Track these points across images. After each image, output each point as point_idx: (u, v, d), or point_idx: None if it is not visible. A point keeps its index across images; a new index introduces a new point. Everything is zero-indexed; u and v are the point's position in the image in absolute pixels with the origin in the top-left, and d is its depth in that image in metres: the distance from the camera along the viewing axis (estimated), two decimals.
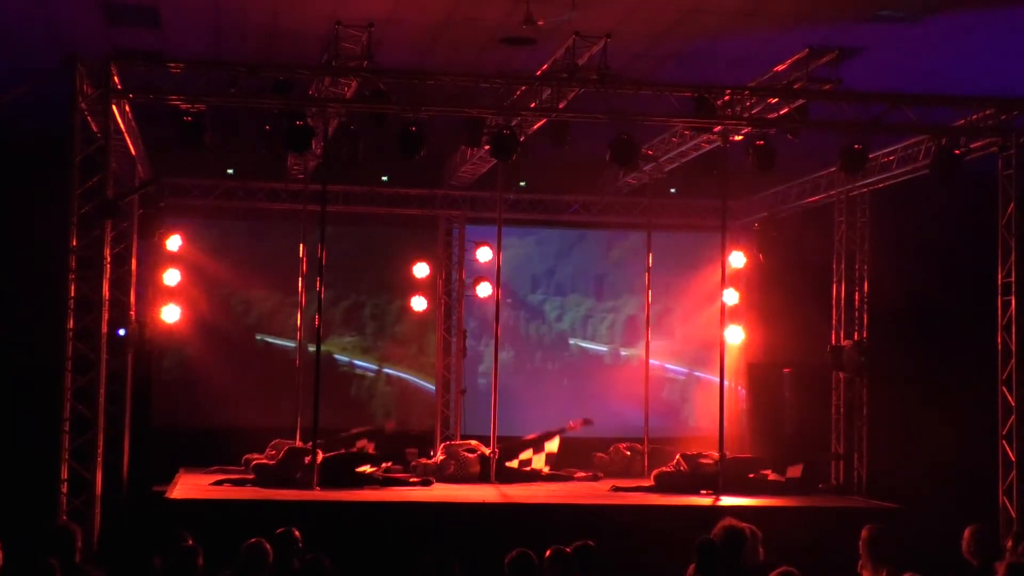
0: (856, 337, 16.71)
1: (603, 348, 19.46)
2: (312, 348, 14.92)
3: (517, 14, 11.72)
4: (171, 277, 17.17)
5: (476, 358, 18.66)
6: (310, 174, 16.60)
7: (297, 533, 8.82)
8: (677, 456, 15.27)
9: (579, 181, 18.21)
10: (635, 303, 18.75)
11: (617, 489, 14.90)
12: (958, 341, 16.66)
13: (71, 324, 12.15)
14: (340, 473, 14.31)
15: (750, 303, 18.90)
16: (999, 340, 13.63)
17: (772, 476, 15.03)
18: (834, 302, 17.14)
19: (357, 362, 18.88)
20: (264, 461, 14.72)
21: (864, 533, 8.79)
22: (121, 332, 14.72)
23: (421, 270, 18.26)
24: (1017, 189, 13.48)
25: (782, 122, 13.55)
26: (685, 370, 19.28)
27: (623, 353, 19.34)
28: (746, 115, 13.62)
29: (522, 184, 18.34)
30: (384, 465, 15.29)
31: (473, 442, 16.13)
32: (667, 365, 19.14)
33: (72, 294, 12.16)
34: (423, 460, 15.87)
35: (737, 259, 18.13)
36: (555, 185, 18.30)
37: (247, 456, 15.40)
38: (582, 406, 17.76)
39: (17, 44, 13.38)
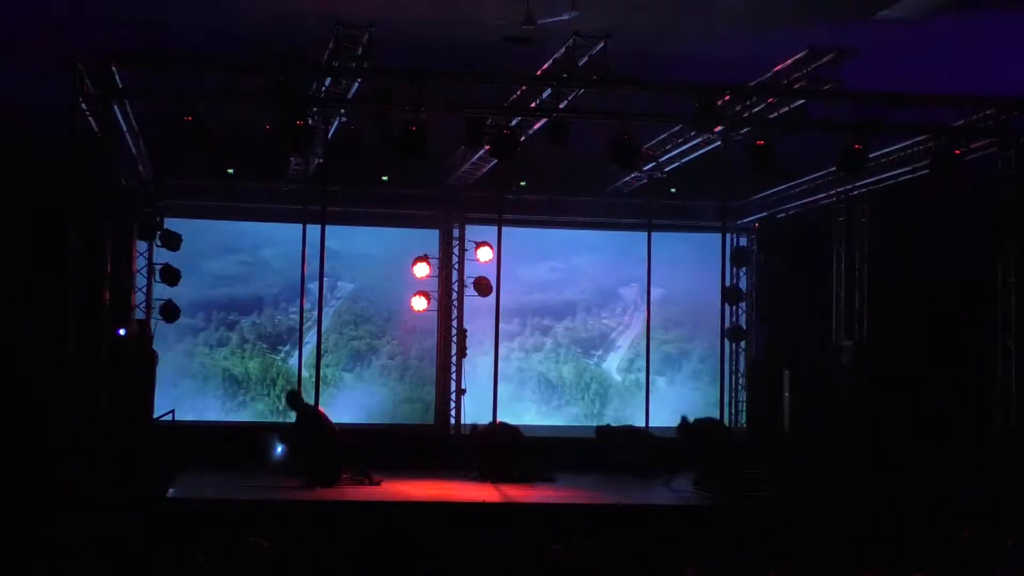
0: (856, 337, 16.72)
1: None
2: None
3: (517, 14, 11.70)
4: (171, 277, 17.18)
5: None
6: (310, 174, 16.60)
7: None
8: None
9: (579, 181, 18.21)
10: None
11: None
12: (958, 341, 16.67)
13: (71, 324, 12.15)
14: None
15: (750, 303, 18.93)
16: (999, 340, 13.64)
17: None
18: (834, 302, 17.15)
19: None
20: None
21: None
22: (121, 332, 14.73)
23: (421, 270, 18.25)
24: (1017, 189, 13.49)
25: (782, 122, 13.55)
26: None
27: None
28: (746, 115, 13.62)
29: (522, 184, 18.34)
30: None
31: None
32: None
33: (72, 294, 12.16)
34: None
35: (736, 259, 18.15)
36: (555, 185, 18.30)
37: None
38: None
39: (17, 44, 13.37)
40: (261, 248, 18.58)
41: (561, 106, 13.22)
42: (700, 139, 14.88)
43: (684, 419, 15.43)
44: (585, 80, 12.84)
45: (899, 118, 13.47)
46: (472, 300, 18.18)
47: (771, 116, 13.64)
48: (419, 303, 18.26)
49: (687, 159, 15.84)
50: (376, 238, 18.92)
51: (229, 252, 18.51)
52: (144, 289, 17.42)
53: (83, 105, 12.28)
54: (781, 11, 12.05)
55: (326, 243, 16.97)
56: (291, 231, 17.70)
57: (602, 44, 12.39)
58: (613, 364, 19.41)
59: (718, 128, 13.91)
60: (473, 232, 18.35)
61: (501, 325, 17.77)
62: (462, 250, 18.48)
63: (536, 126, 13.96)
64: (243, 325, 18.48)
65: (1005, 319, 13.64)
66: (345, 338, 18.81)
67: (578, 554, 8.15)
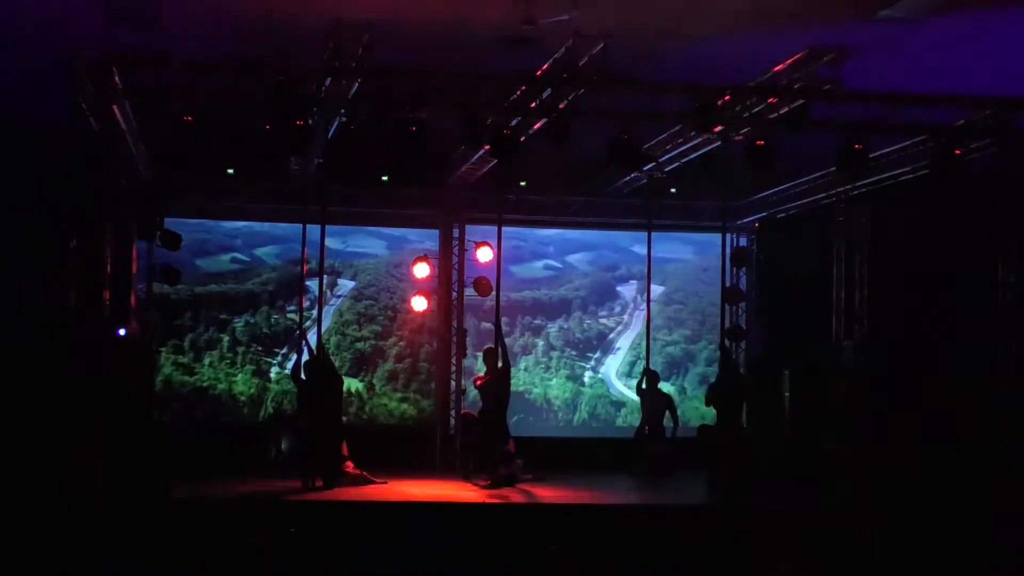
0: (856, 337, 16.71)
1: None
2: None
3: (517, 14, 11.70)
4: (174, 277, 17.17)
5: None
6: (310, 174, 16.61)
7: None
8: None
9: (579, 181, 18.21)
10: None
11: None
12: (958, 341, 16.67)
13: (71, 324, 12.15)
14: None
15: (750, 303, 18.92)
16: (999, 340, 13.64)
17: None
18: (834, 302, 17.14)
19: None
20: None
21: None
22: (121, 332, 14.72)
23: (421, 270, 18.24)
24: (1017, 189, 13.50)
25: (782, 122, 13.54)
26: None
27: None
28: (746, 115, 13.61)
29: (522, 184, 18.33)
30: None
31: None
32: None
33: (72, 294, 12.16)
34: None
35: (736, 259, 18.14)
36: (555, 185, 18.30)
37: None
38: None
39: (17, 44, 13.37)
40: (257, 247, 18.55)
41: (561, 106, 13.22)
42: (700, 139, 14.88)
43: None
44: (585, 80, 12.83)
45: (899, 118, 13.46)
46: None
47: (771, 116, 13.63)
48: (419, 303, 18.26)
49: (687, 159, 15.84)
50: (376, 237, 18.91)
51: (224, 251, 18.47)
52: (144, 289, 17.43)
53: (83, 105, 12.27)
54: (781, 11, 12.05)
55: (326, 242, 17.01)
56: (289, 230, 17.73)
57: (602, 44, 12.38)
58: (612, 369, 19.32)
59: (718, 128, 13.90)
60: (473, 232, 18.35)
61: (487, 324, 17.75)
62: (462, 250, 18.48)
63: (536, 126, 13.96)
64: (236, 325, 18.34)
65: (1005, 319, 13.63)
66: (348, 339, 18.74)
67: (578, 554, 8.15)
